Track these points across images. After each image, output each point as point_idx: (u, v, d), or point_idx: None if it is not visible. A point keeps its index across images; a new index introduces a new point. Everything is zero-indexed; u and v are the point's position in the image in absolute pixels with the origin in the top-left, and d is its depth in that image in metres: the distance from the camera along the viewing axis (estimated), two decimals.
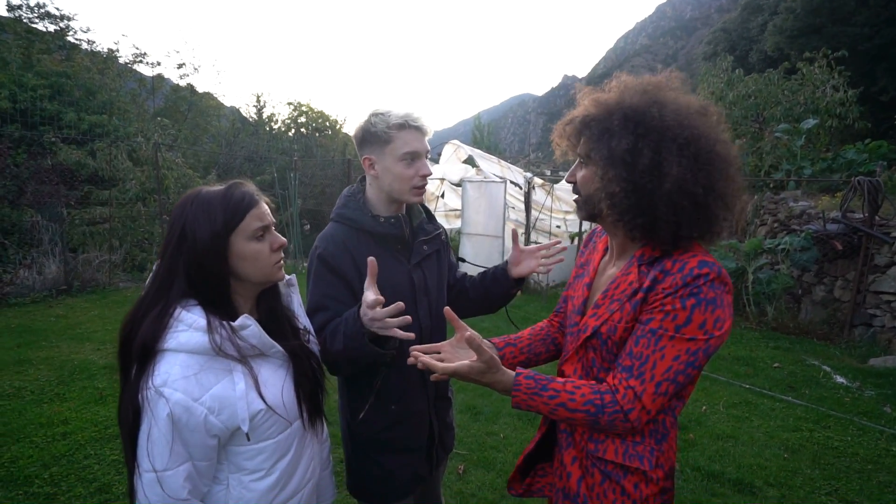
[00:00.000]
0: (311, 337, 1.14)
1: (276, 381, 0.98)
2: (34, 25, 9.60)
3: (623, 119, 0.94)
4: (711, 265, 0.90)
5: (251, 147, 12.38)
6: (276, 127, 14.27)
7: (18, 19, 9.50)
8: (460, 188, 7.84)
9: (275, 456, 0.98)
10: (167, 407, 0.83)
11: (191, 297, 0.92)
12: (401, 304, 1.04)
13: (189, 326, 0.88)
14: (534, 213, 7.68)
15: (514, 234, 1.51)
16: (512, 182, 8.14)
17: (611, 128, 0.94)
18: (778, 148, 7.52)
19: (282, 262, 1.02)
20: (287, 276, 1.13)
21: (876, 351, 4.76)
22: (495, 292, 1.48)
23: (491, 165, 8.58)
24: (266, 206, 1.00)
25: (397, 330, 1.05)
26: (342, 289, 1.25)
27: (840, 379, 4.17)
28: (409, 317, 1.05)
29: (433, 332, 1.38)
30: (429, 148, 1.29)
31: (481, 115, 30.83)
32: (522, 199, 8.14)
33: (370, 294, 1.05)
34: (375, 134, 1.24)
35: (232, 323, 0.91)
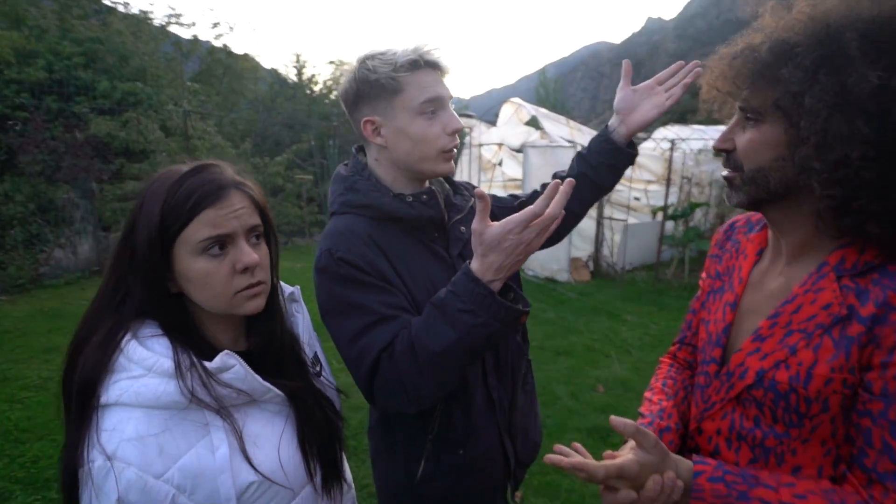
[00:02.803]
0: (322, 369, 0.96)
1: (271, 437, 0.80)
2: None
3: (863, 39, 0.63)
4: None
5: (289, 112, 12.53)
6: (317, 89, 14.38)
7: None
8: (521, 154, 7.42)
9: None
10: (118, 488, 0.66)
11: (149, 319, 0.75)
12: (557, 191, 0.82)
13: (147, 370, 0.70)
14: None
15: (628, 66, 1.20)
16: (583, 147, 7.57)
17: (842, 54, 0.64)
18: None
19: (255, 288, 0.79)
20: (289, 289, 0.95)
21: None
22: (611, 182, 1.24)
23: (558, 127, 8.05)
24: (240, 204, 0.77)
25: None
26: (396, 294, 0.99)
27: None
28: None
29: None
30: (452, 94, 1.02)
31: (547, 70, 29.56)
32: None
33: (496, 227, 0.83)
34: (377, 83, 0.98)
35: (207, 364, 0.73)
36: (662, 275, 6.84)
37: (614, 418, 0.74)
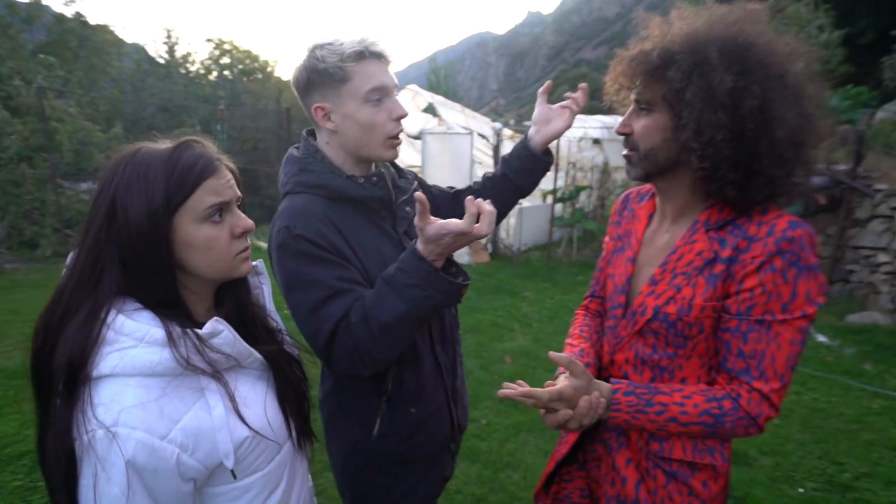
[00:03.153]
0: (285, 338, 1.02)
1: (257, 398, 0.87)
2: None
3: (720, 53, 0.87)
4: (802, 224, 0.88)
5: (164, 94, 11.39)
6: (193, 69, 13.19)
7: None
8: (419, 141, 7.62)
9: (265, 492, 0.87)
10: (125, 453, 0.68)
11: (129, 296, 0.77)
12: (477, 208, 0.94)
13: (139, 340, 0.73)
14: None
15: (548, 87, 1.40)
16: (479, 134, 8.00)
17: (707, 62, 0.87)
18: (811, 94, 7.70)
19: (247, 251, 0.88)
20: (253, 263, 0.97)
21: (853, 307, 5.16)
22: (529, 185, 1.39)
23: (455, 115, 8.39)
24: (229, 175, 0.83)
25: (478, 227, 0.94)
26: (351, 269, 1.08)
27: (821, 338, 4.51)
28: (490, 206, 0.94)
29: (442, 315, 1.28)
30: (396, 82, 1.13)
31: (437, 57, 29.97)
32: (490, 152, 8.05)
33: (434, 227, 0.94)
34: (326, 71, 1.05)
35: (198, 331, 0.77)
36: (554, 253, 7.56)
37: (552, 353, 0.97)
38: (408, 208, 1.23)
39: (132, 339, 0.73)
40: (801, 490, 2.57)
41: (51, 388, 0.72)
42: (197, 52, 15.25)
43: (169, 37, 13.26)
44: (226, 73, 13.38)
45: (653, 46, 0.94)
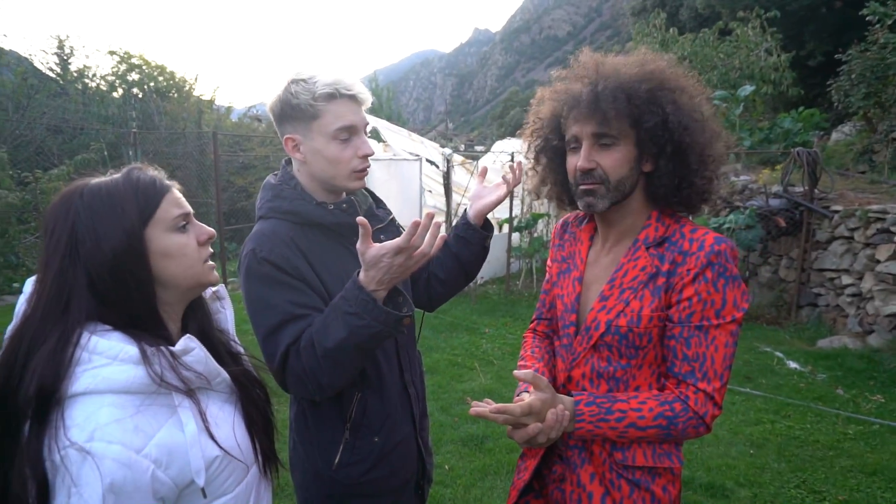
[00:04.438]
0: (247, 361, 1.12)
1: (226, 419, 0.97)
2: None
3: (680, 90, 1.13)
4: (725, 240, 1.09)
5: (56, 112, 10.97)
6: (92, 85, 12.82)
7: None
8: None
9: None
10: (100, 468, 0.74)
11: (99, 321, 0.86)
12: (418, 227, 1.06)
13: (113, 358, 0.82)
14: (455, 197, 7.86)
15: (484, 171, 1.60)
16: (428, 160, 8.25)
17: (675, 98, 1.11)
18: (716, 117, 8.51)
19: (212, 262, 1.01)
20: (213, 288, 1.10)
21: (823, 332, 5.66)
22: (467, 256, 1.53)
23: (401, 140, 8.62)
24: (179, 193, 0.98)
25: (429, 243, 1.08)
26: (310, 294, 1.23)
27: (793, 364, 4.90)
28: (440, 222, 1.08)
29: (408, 336, 1.41)
30: (367, 121, 1.30)
31: (378, 76, 30.64)
32: (441, 179, 8.30)
33: (373, 249, 1.07)
34: (298, 107, 1.22)
35: (171, 348, 0.87)
36: (513, 286, 7.80)
37: (517, 371, 1.12)
38: (382, 236, 1.37)
39: (105, 357, 0.82)
40: None
41: (16, 424, 0.78)
42: (98, 65, 14.78)
43: (61, 47, 12.85)
44: (134, 90, 13.09)
45: (590, 85, 1.14)
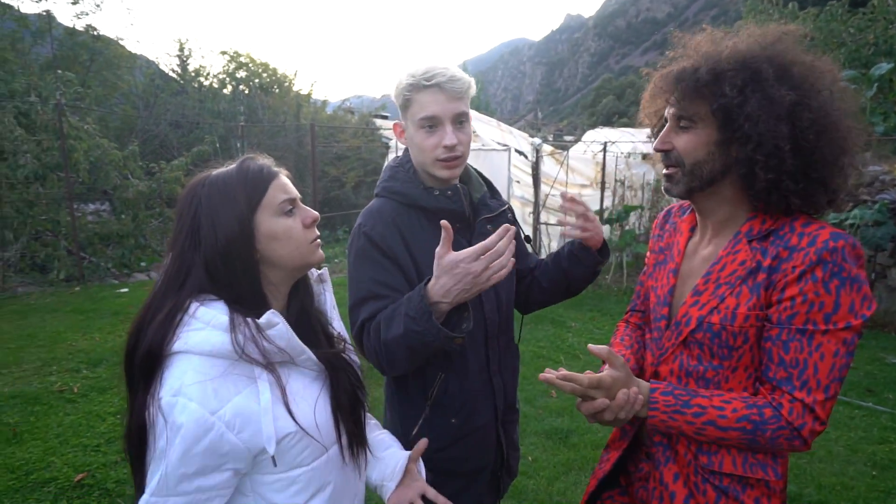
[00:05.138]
0: (347, 345, 1.16)
1: (309, 397, 1.00)
2: None
3: (774, 69, 1.00)
4: (845, 236, 0.97)
5: (177, 109, 12.04)
6: (207, 83, 13.92)
7: None
8: None
9: (311, 488, 0.99)
10: (178, 422, 0.84)
11: (210, 294, 0.95)
12: (506, 234, 1.09)
13: (206, 324, 0.90)
14: (543, 188, 7.71)
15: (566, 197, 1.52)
16: (516, 150, 8.15)
17: (761, 78, 0.99)
18: (849, 105, 7.65)
19: (319, 239, 1.06)
20: (318, 271, 1.16)
21: None
22: (575, 274, 1.50)
23: (490, 130, 8.58)
24: (287, 179, 1.04)
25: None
26: (396, 274, 1.30)
27: None
28: (511, 245, 1.09)
29: (500, 328, 1.41)
30: (462, 110, 1.31)
31: (467, 67, 30.71)
32: (529, 170, 8.18)
33: (451, 255, 1.10)
34: (400, 97, 1.33)
35: (257, 320, 0.93)
36: (602, 280, 7.54)
37: (592, 346, 1.06)
38: (489, 226, 1.41)
39: (201, 321, 0.91)
40: None
41: (136, 380, 0.91)
42: (211, 65, 16.03)
43: (181, 49, 14.04)
44: (241, 87, 14.03)
45: (694, 64, 1.06)
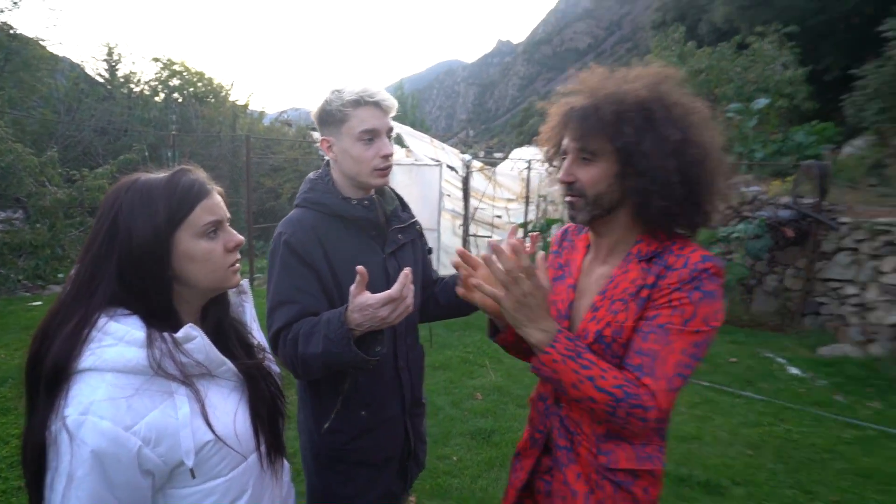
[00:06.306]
0: (266, 355, 1.15)
1: (227, 408, 0.97)
2: None
3: (663, 110, 1.10)
4: (712, 259, 1.10)
5: (103, 115, 11.35)
6: (137, 89, 13.24)
7: None
8: None
9: (228, 497, 0.95)
10: (89, 441, 0.78)
11: (120, 307, 0.90)
12: (407, 280, 1.16)
13: (119, 339, 0.85)
14: (472, 202, 7.94)
15: (514, 230, 1.64)
16: (448, 166, 8.34)
17: (654, 119, 1.09)
18: (729, 129, 8.48)
19: (238, 264, 1.02)
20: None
21: (825, 339, 5.59)
22: (463, 307, 1.56)
23: (423, 146, 8.70)
24: (219, 198, 1.00)
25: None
26: (312, 281, 1.34)
27: (794, 370, 4.87)
28: (410, 299, 1.15)
29: (407, 329, 1.49)
30: (391, 126, 1.41)
31: (403, 84, 30.88)
32: (459, 185, 8.40)
33: (362, 297, 1.15)
34: (331, 112, 1.37)
35: (174, 335, 0.89)
36: None
37: (492, 240, 1.08)
38: (399, 235, 1.51)
39: (113, 338, 0.85)
40: None
41: (37, 392, 0.84)
42: (142, 71, 15.20)
43: (110, 54, 13.26)
44: (175, 95, 13.45)
45: (595, 104, 1.13)
